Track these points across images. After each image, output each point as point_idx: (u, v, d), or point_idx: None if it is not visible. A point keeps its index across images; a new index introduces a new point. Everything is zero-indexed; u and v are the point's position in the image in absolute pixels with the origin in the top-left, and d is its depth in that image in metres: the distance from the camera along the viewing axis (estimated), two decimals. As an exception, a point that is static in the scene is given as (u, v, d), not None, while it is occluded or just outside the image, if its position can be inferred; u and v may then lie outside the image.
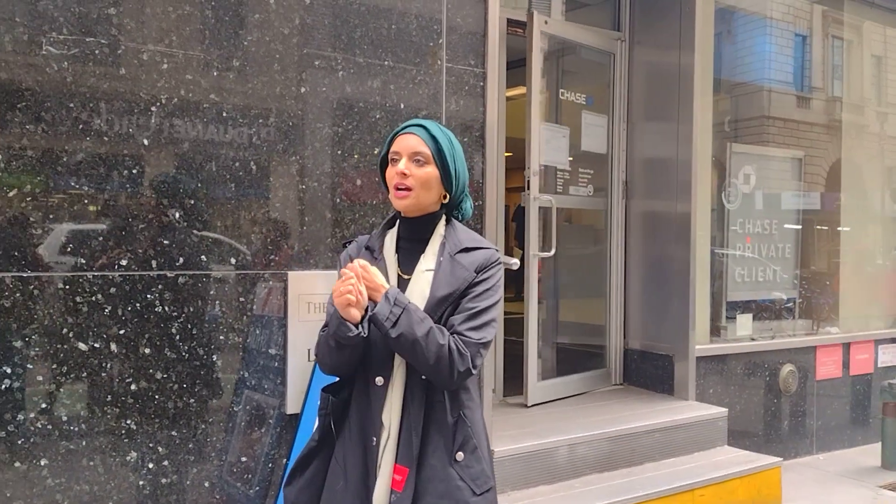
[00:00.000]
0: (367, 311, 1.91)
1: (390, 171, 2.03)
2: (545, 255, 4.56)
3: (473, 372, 1.97)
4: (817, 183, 6.16)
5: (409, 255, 2.06)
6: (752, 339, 5.31)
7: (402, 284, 2.01)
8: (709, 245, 5.16)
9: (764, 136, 5.81)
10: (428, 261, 2.04)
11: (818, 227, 6.19)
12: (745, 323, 5.34)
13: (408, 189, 1.99)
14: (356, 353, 1.94)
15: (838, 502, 4.55)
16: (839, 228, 6.30)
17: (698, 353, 4.76)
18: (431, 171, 2.01)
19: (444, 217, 2.10)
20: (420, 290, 1.99)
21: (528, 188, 4.50)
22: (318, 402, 2.07)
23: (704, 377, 4.84)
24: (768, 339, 5.39)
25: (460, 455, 1.97)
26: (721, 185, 5.34)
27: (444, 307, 1.98)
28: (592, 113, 4.96)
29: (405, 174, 1.98)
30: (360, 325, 1.89)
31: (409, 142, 2.01)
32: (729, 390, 5.01)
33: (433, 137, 2.02)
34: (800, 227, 5.88)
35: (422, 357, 1.88)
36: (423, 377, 1.95)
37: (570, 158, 4.92)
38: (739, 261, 5.40)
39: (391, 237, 2.09)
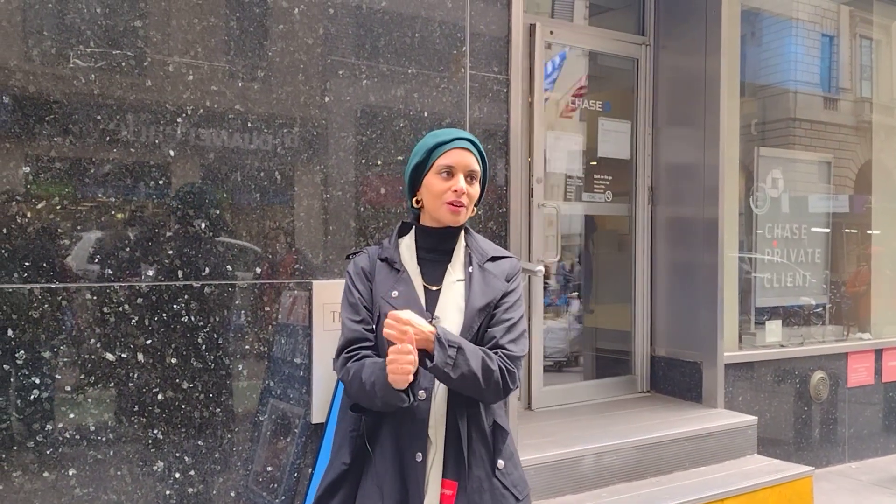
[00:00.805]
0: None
1: (441, 185, 1.97)
2: (551, 261, 4.57)
3: (518, 386, 1.98)
4: (846, 185, 6.06)
5: (431, 266, 2.03)
6: (782, 346, 5.23)
7: (431, 296, 1.98)
8: (737, 250, 5.10)
9: (791, 138, 5.73)
10: (457, 271, 2.02)
11: (848, 230, 6.08)
12: (774, 329, 5.26)
13: (463, 206, 1.98)
14: None
15: (872, 512, 4.47)
16: (870, 232, 6.19)
17: (727, 361, 4.69)
18: (477, 188, 2.04)
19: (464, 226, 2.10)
20: (454, 301, 1.97)
21: (532, 195, 4.48)
22: (345, 423, 2.03)
23: (733, 384, 4.78)
24: (798, 345, 5.31)
25: (501, 463, 1.98)
26: (748, 190, 5.27)
27: (482, 318, 1.97)
28: (611, 119, 4.93)
29: (464, 193, 1.97)
30: (409, 392, 1.83)
31: (467, 159, 1.99)
32: (758, 398, 4.94)
33: (482, 156, 2.04)
34: (829, 230, 5.78)
35: (478, 387, 1.87)
36: None
37: (593, 164, 4.89)
38: (768, 266, 5.32)
39: (408, 248, 2.04)
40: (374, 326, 1.97)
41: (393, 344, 1.81)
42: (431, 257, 2.04)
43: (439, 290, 2.00)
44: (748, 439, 4.44)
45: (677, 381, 4.84)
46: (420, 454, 1.91)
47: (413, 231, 2.09)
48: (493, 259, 2.08)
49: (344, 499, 1.98)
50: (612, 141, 4.92)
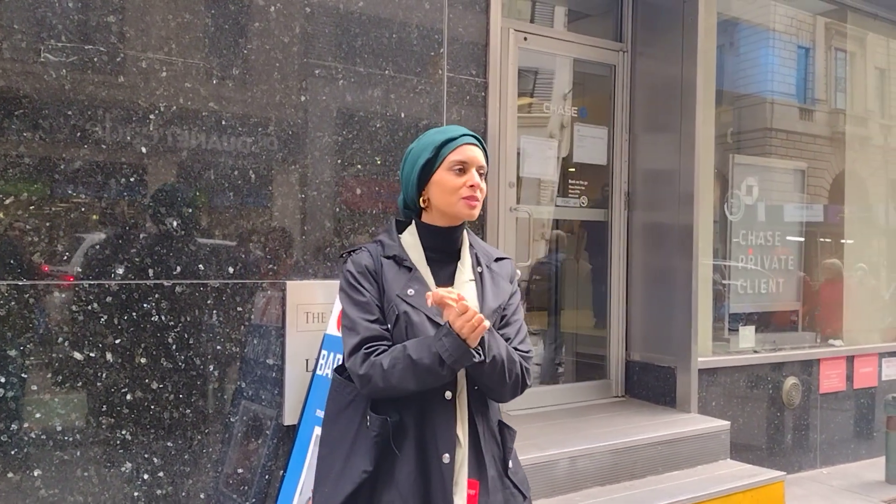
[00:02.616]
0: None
1: (455, 180, 1.96)
2: (523, 265, 4.56)
3: (531, 384, 2.00)
4: (820, 195, 6.13)
5: (439, 266, 2.01)
6: (755, 352, 5.27)
7: (421, 297, 1.95)
8: (711, 257, 5.13)
9: (767, 147, 5.79)
10: (467, 271, 2.02)
11: (821, 239, 6.15)
12: (747, 335, 5.30)
13: (478, 200, 1.98)
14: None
15: (842, 517, 4.51)
16: (843, 241, 6.27)
17: (701, 366, 4.72)
18: (485, 185, 2.04)
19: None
20: (469, 301, 1.94)
21: (500, 200, 4.44)
22: (354, 428, 1.93)
23: (707, 390, 4.80)
24: (771, 351, 5.35)
25: (510, 463, 2.01)
26: (724, 197, 5.31)
27: (495, 319, 1.98)
28: (587, 125, 4.95)
29: (479, 187, 1.97)
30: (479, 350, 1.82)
31: (477, 154, 1.99)
32: (731, 403, 4.97)
33: (485, 153, 2.04)
34: (803, 239, 5.85)
35: (503, 379, 1.89)
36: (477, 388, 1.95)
37: (571, 170, 4.91)
38: (742, 272, 5.36)
39: (414, 247, 2.01)
40: (388, 326, 1.92)
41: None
42: (438, 257, 2.02)
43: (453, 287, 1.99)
44: (721, 444, 4.46)
45: (652, 385, 4.86)
46: (448, 455, 1.88)
47: (414, 230, 2.04)
48: (497, 259, 2.11)
49: None
50: (588, 146, 4.94)
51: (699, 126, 4.67)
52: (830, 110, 6.30)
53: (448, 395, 1.90)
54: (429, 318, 1.91)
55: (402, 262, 1.97)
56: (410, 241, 2.02)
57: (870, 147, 6.52)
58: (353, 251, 2.03)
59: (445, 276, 2.01)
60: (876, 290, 6.36)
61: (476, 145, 2.01)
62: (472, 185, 1.95)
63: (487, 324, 1.80)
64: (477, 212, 2.00)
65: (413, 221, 2.07)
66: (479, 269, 2.04)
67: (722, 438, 4.46)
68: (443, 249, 2.03)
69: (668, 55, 4.80)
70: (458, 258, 2.05)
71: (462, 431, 1.91)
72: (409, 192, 2.03)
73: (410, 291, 1.93)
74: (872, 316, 6.25)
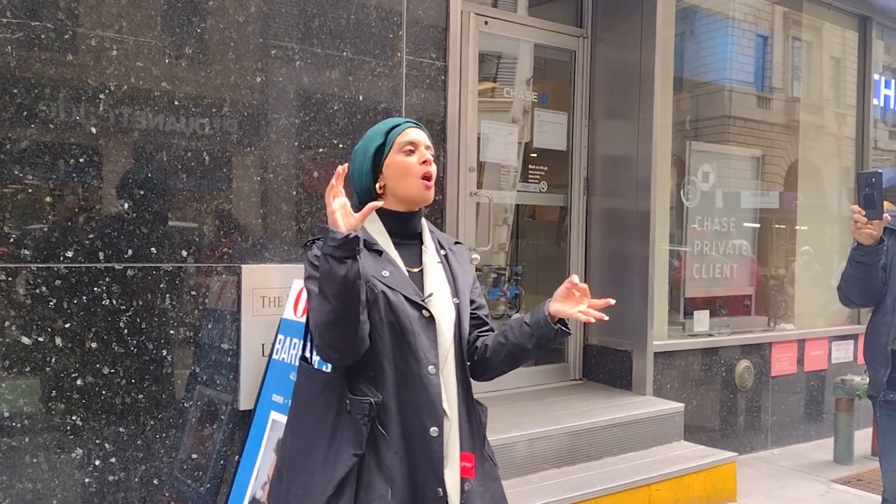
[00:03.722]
0: None
1: (407, 160, 1.98)
2: (483, 250, 4.57)
3: None
4: (776, 182, 6.24)
5: (404, 249, 2.03)
6: (710, 335, 5.36)
7: (414, 278, 1.98)
8: (668, 242, 5.20)
9: (725, 135, 5.87)
10: (432, 254, 2.05)
11: (776, 225, 6.27)
12: (702, 319, 5.39)
13: (431, 180, 2.00)
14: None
15: (791, 496, 4.62)
16: (796, 227, 6.40)
17: (656, 349, 4.79)
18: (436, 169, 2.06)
19: None
20: (440, 282, 2.00)
21: (460, 184, 4.44)
22: (331, 413, 1.89)
23: (662, 373, 4.88)
24: (725, 335, 5.45)
25: (486, 436, 2.07)
26: (680, 183, 5.38)
27: (468, 298, 2.06)
28: (547, 110, 4.96)
29: (431, 162, 2.00)
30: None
31: (422, 136, 2.03)
32: (686, 386, 5.06)
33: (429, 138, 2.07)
34: (758, 225, 5.95)
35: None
36: (460, 361, 1.99)
37: (533, 155, 4.92)
38: (697, 257, 5.45)
39: (380, 232, 2.01)
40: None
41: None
42: (401, 241, 2.04)
43: (420, 271, 2.02)
44: (675, 426, 4.55)
45: (608, 369, 4.92)
46: (436, 428, 1.88)
47: (376, 217, 2.03)
48: (455, 244, 2.17)
49: (351, 494, 1.85)
50: (548, 132, 4.95)
51: (657, 113, 4.71)
52: (787, 98, 6.40)
53: (431, 369, 1.90)
54: (406, 298, 1.92)
55: (371, 246, 1.98)
56: (375, 227, 2.03)
57: (824, 135, 6.65)
58: (317, 239, 1.99)
59: (412, 258, 2.03)
60: (825, 275, 6.51)
61: (420, 128, 2.06)
62: (424, 161, 1.99)
63: (343, 199, 1.81)
64: (432, 193, 2.02)
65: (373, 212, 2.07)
66: (442, 252, 2.08)
67: (676, 420, 4.55)
68: (405, 234, 2.05)
69: (627, 42, 4.83)
70: (421, 242, 2.08)
71: (448, 405, 1.93)
72: (363, 182, 2.04)
73: (385, 273, 1.94)
74: (821, 300, 6.40)
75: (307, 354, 2.05)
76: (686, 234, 5.38)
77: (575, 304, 1.93)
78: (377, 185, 2.02)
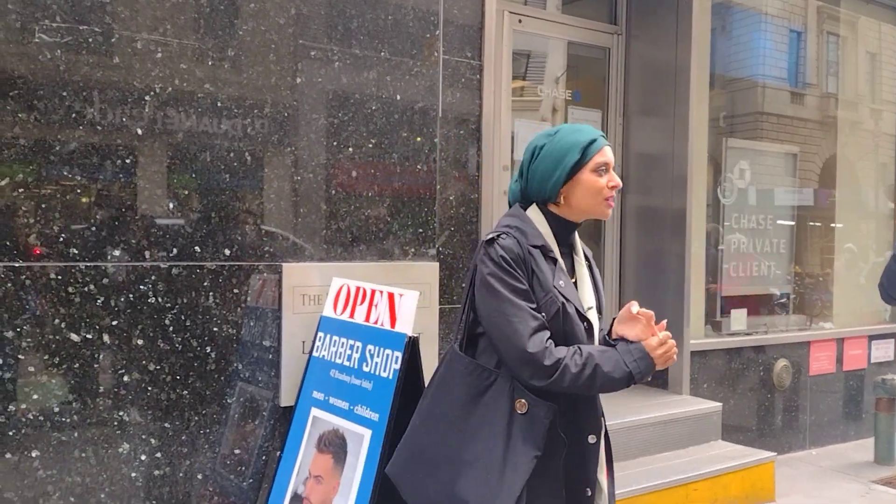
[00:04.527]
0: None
1: (599, 181, 2.02)
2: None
3: None
4: (811, 179, 6.15)
5: (563, 258, 2.09)
6: (747, 334, 5.31)
7: (570, 289, 2.04)
8: (704, 240, 5.15)
9: (758, 131, 5.80)
10: (583, 264, 2.14)
11: (812, 223, 6.19)
12: (739, 318, 5.34)
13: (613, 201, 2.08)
14: None
15: (831, 497, 4.56)
16: (833, 224, 6.31)
17: (693, 348, 4.75)
18: None
19: None
20: (588, 296, 2.08)
21: (494, 183, 4.42)
22: (538, 411, 1.94)
23: (699, 371, 4.84)
24: (762, 334, 5.39)
25: None
26: (717, 180, 5.33)
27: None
28: (581, 108, 4.95)
29: (619, 187, 2.06)
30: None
31: (612, 155, 2.08)
32: (723, 385, 5.02)
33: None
34: (794, 222, 5.88)
35: None
36: None
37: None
38: (734, 255, 5.40)
39: (550, 238, 2.05)
40: (543, 314, 1.96)
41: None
42: (563, 250, 2.09)
43: (575, 281, 2.09)
44: (712, 425, 4.51)
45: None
46: (594, 436, 2.00)
47: (544, 221, 2.07)
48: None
49: (524, 494, 1.92)
50: (582, 130, 4.94)
51: (693, 109, 4.68)
52: (822, 94, 6.31)
53: None
54: (577, 311, 2.00)
55: (548, 252, 2.01)
56: (546, 231, 2.06)
57: (861, 131, 6.54)
58: (497, 236, 2.01)
59: (569, 268, 2.10)
60: (865, 273, 6.40)
61: (610, 146, 2.09)
62: (612, 186, 2.03)
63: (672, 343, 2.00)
64: (611, 212, 2.10)
65: (538, 212, 2.09)
66: (589, 263, 2.17)
67: (713, 420, 4.51)
68: (566, 242, 2.11)
69: (663, 38, 4.80)
70: (573, 250, 2.14)
71: (601, 412, 2.08)
72: (547, 189, 2.04)
73: (561, 283, 1.99)
74: (861, 298, 6.30)
75: (456, 348, 2.08)
76: (722, 231, 5.33)
77: (641, 329, 2.00)
78: (560, 194, 2.05)
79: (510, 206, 2.17)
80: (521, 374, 1.92)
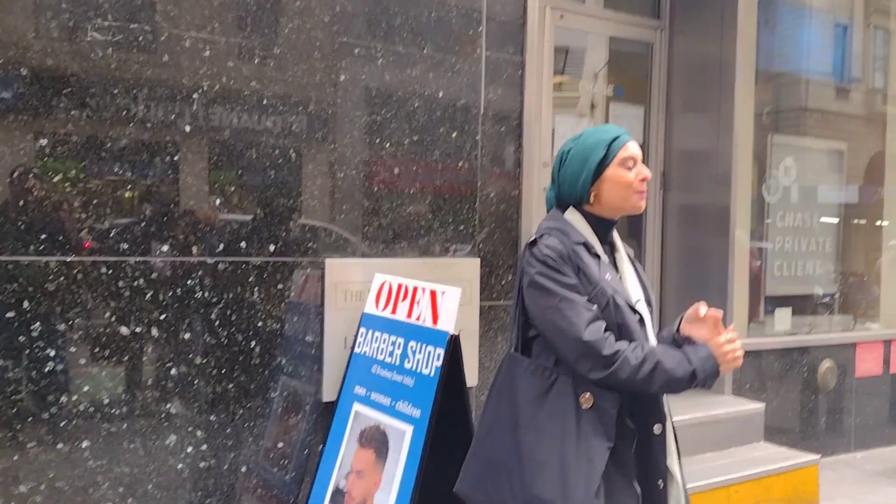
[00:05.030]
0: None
1: (628, 175, 2.05)
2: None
3: None
4: (857, 175, 6.02)
5: (605, 255, 2.12)
6: (791, 335, 5.22)
7: (616, 282, 2.06)
8: (748, 238, 5.07)
9: (802, 127, 5.69)
10: (626, 259, 2.16)
11: (858, 220, 6.05)
12: (783, 317, 5.24)
13: (646, 192, 2.10)
14: None
15: (876, 501, 4.47)
16: (880, 222, 6.16)
17: (735, 348, 4.69)
18: None
19: None
20: (634, 289, 2.10)
21: (535, 180, 4.39)
22: (604, 403, 1.96)
23: (742, 372, 4.77)
24: (807, 334, 5.30)
25: None
26: (761, 177, 5.24)
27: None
28: (624, 103, 4.90)
29: (648, 178, 2.08)
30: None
31: (639, 150, 2.11)
32: (766, 386, 4.94)
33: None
34: (839, 219, 5.75)
35: None
36: None
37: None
38: (779, 254, 5.30)
39: (592, 236, 2.09)
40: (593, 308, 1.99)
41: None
42: (604, 248, 2.13)
43: (620, 277, 2.11)
44: (755, 427, 4.45)
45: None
46: (659, 426, 2.02)
47: (582, 220, 2.10)
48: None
49: (603, 489, 1.94)
50: (624, 125, 4.87)
51: (738, 105, 4.60)
52: (868, 89, 6.16)
53: None
54: (628, 304, 2.02)
55: (591, 248, 2.05)
56: (587, 230, 2.09)
57: (910, 127, 6.37)
58: (539, 238, 2.06)
59: (610, 263, 2.12)
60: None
61: (635, 141, 2.12)
62: (642, 179, 2.06)
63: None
64: (644, 203, 2.11)
65: (575, 213, 2.13)
66: (632, 260, 2.19)
67: (756, 421, 4.45)
68: (604, 239, 2.14)
69: (708, 33, 4.73)
70: (613, 247, 2.17)
71: (665, 405, 2.08)
72: (577, 189, 2.08)
73: (608, 276, 2.02)
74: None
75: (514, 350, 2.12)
76: (767, 230, 5.24)
77: (707, 330, 1.99)
78: (591, 193, 2.09)
79: (548, 212, 2.19)
80: (580, 367, 1.93)
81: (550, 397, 2.00)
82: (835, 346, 5.32)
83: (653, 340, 2.06)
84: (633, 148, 2.08)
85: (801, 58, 5.73)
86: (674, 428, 2.13)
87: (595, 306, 1.95)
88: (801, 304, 5.47)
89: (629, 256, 2.19)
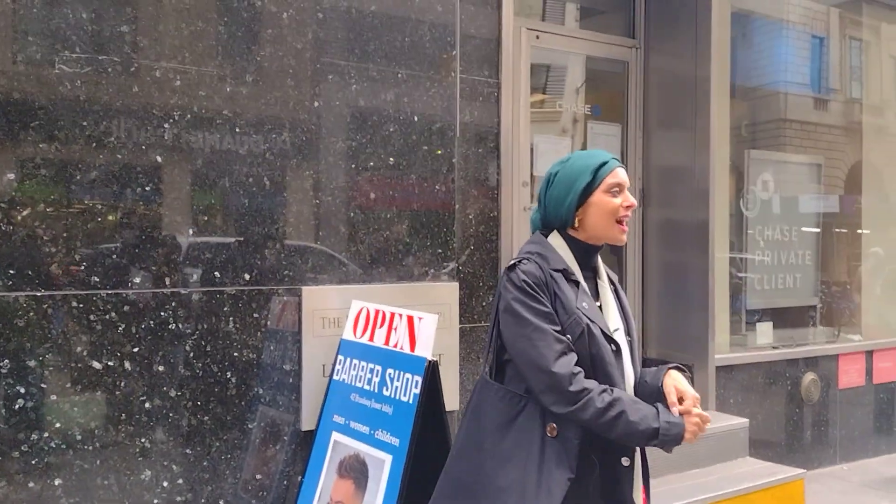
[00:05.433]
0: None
1: (612, 202, 2.03)
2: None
3: None
4: (836, 186, 6.07)
5: (585, 281, 2.09)
6: (774, 348, 5.23)
7: (594, 311, 2.02)
8: (727, 253, 5.09)
9: (781, 139, 5.74)
10: (607, 286, 2.13)
11: (838, 229, 6.09)
12: (765, 331, 5.26)
13: (627, 227, 2.08)
14: None
15: (863, 514, 4.48)
16: (860, 231, 6.20)
17: (718, 363, 4.68)
18: None
19: None
20: (614, 318, 2.06)
21: (514, 199, 4.38)
22: (568, 433, 1.93)
23: (725, 387, 4.77)
24: (789, 347, 5.31)
25: None
26: (739, 192, 5.27)
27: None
28: (601, 122, 4.91)
29: (634, 206, 2.06)
30: None
31: (626, 176, 2.08)
32: (750, 400, 4.94)
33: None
34: (819, 230, 5.78)
35: None
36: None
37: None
38: (759, 268, 5.32)
39: (572, 262, 2.06)
40: (569, 337, 1.96)
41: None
42: (586, 274, 2.10)
43: (599, 305, 2.08)
44: (740, 442, 4.44)
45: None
46: (627, 458, 1.99)
47: (565, 245, 2.08)
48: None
49: None
50: (601, 144, 4.90)
51: (714, 121, 4.63)
52: (846, 100, 6.22)
53: None
54: (603, 333, 1.99)
55: (570, 276, 2.03)
56: (567, 255, 2.07)
57: (886, 136, 6.43)
58: (517, 263, 2.03)
59: (591, 290, 2.09)
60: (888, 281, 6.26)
61: (624, 168, 2.10)
62: (628, 206, 2.04)
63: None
64: (626, 238, 2.08)
65: (558, 237, 2.11)
66: (614, 287, 2.16)
67: (741, 436, 4.44)
68: (587, 265, 2.11)
69: (682, 50, 4.76)
70: (596, 273, 2.14)
71: None
72: (562, 213, 2.07)
73: (585, 305, 1.99)
74: (889, 307, 6.18)
75: (486, 372, 2.10)
76: (746, 244, 5.26)
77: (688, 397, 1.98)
78: (576, 218, 2.07)
79: (532, 234, 2.17)
80: (545, 399, 1.91)
81: (517, 425, 1.98)
82: (817, 358, 5.33)
83: (629, 371, 2.04)
84: (621, 174, 2.06)
85: (777, 71, 5.78)
86: (645, 458, 2.11)
87: (568, 336, 1.94)
88: (783, 317, 5.49)
89: (612, 283, 2.17)
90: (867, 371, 5.63)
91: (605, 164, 2.05)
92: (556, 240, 2.09)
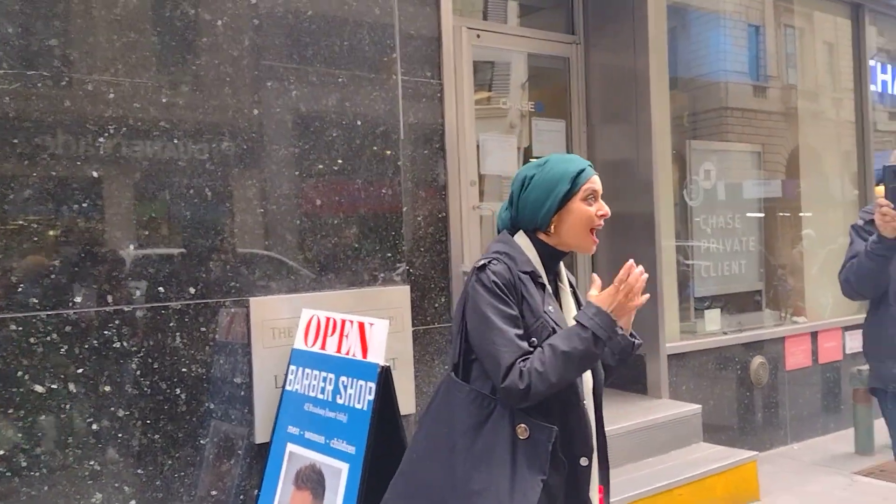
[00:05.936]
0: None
1: (587, 210, 2.02)
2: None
3: None
4: (777, 171, 6.20)
5: (550, 286, 2.10)
6: (724, 334, 5.34)
7: (558, 314, 2.04)
8: (674, 243, 5.18)
9: (723, 126, 5.85)
10: (568, 290, 2.15)
11: (781, 214, 6.23)
12: (713, 318, 5.36)
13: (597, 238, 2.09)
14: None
15: (814, 491, 4.59)
16: (801, 215, 6.36)
17: (669, 352, 4.77)
18: None
19: None
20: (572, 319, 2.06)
21: (462, 199, 4.39)
22: (540, 436, 1.93)
23: (677, 374, 4.86)
24: (737, 332, 5.43)
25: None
26: (682, 182, 5.36)
27: None
28: (545, 118, 4.95)
29: (608, 214, 2.06)
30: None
31: (600, 186, 2.08)
32: (702, 386, 5.04)
33: None
34: (762, 216, 5.91)
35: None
36: (597, 395, 2.09)
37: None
38: (705, 256, 5.42)
39: (538, 265, 2.06)
40: (533, 340, 1.96)
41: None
42: (549, 278, 2.10)
43: (562, 308, 2.10)
44: (694, 428, 4.53)
45: (622, 373, 4.87)
46: (586, 458, 1.99)
47: (532, 247, 2.08)
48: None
49: None
50: (546, 140, 4.94)
51: (655, 114, 4.71)
52: (783, 86, 6.37)
53: (586, 402, 2.01)
54: None
55: (537, 278, 2.03)
56: (535, 258, 2.07)
57: (823, 121, 6.61)
58: (487, 263, 2.02)
59: (554, 293, 2.11)
60: (832, 263, 6.42)
61: (597, 174, 2.10)
62: (601, 214, 2.05)
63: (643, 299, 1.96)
64: (595, 248, 2.09)
65: (525, 238, 2.10)
66: (573, 289, 2.19)
67: (694, 422, 4.53)
68: (553, 270, 2.12)
69: (621, 45, 4.83)
70: (558, 277, 2.15)
71: (593, 436, 2.04)
72: (538, 216, 2.06)
73: (550, 308, 2.00)
74: (830, 289, 6.35)
75: (454, 374, 2.08)
76: (692, 232, 5.36)
77: (604, 294, 1.98)
78: (552, 223, 2.06)
79: (499, 233, 2.17)
80: (507, 400, 1.94)
81: (487, 427, 1.98)
82: (764, 341, 5.46)
83: (587, 375, 2.05)
84: (597, 182, 2.07)
85: (716, 61, 5.89)
86: (607, 458, 2.14)
87: (534, 339, 1.95)
88: (731, 303, 5.61)
89: (571, 287, 2.19)
90: (813, 352, 5.78)
91: (582, 171, 2.05)
92: (522, 240, 2.09)
